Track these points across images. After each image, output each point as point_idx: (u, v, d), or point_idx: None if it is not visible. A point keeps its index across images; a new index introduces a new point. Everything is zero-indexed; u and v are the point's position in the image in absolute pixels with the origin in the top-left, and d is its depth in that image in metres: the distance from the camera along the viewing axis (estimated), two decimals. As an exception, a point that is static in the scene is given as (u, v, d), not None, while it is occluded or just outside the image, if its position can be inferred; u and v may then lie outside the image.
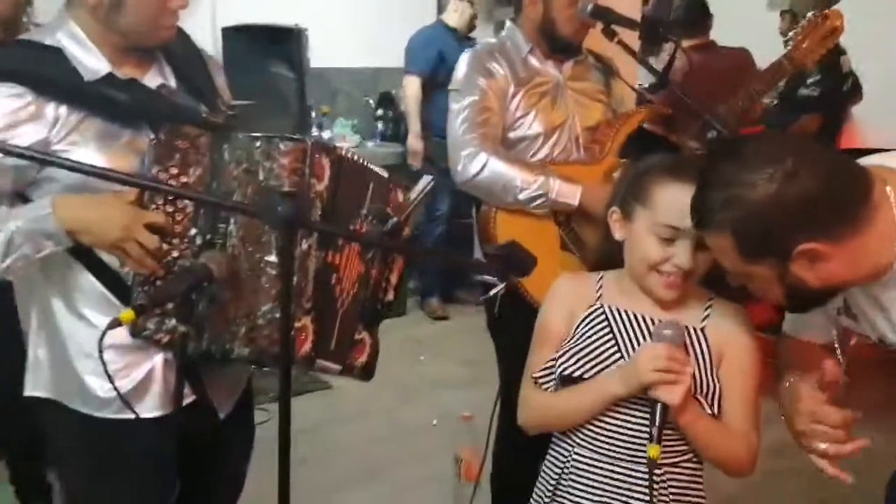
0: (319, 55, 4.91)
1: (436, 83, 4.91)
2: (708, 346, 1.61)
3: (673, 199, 1.55)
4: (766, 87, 2.29)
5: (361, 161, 1.64)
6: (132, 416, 1.52)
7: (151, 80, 1.61)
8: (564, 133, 2.33)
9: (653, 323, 1.62)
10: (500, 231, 2.23)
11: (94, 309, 1.57)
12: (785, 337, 1.72)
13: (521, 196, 2.18)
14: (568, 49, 2.34)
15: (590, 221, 2.19)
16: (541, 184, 2.17)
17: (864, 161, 1.37)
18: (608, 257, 1.74)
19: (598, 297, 1.70)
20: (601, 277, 1.73)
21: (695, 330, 1.63)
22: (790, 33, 2.34)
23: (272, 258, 1.48)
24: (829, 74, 3.10)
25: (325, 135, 5.14)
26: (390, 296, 1.74)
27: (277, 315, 1.46)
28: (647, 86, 3.22)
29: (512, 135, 2.30)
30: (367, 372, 1.73)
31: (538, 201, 2.18)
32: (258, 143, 1.51)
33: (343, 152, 1.59)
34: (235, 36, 4.58)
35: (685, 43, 3.96)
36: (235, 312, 1.50)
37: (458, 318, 5.19)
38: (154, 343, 1.53)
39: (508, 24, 2.43)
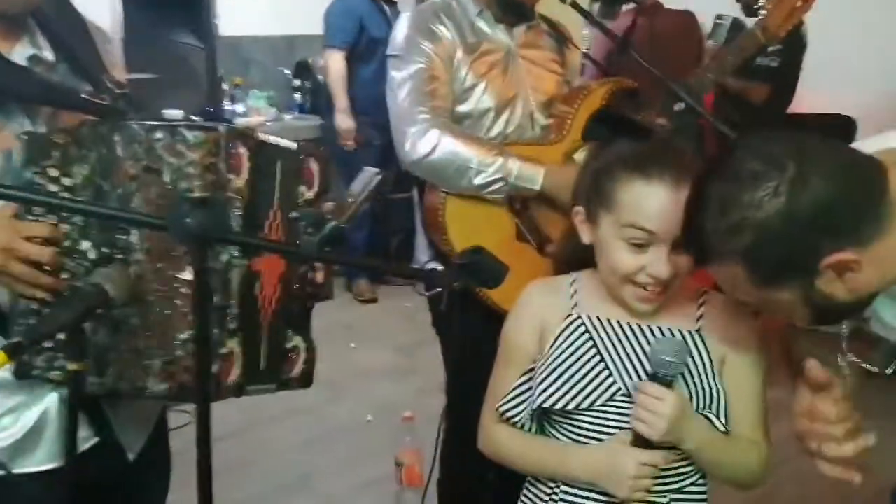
0: (230, 23, 4.54)
1: (357, 55, 4.62)
2: (707, 350, 1.41)
3: (639, 198, 1.34)
4: (740, 60, 2.08)
5: (276, 143, 1.37)
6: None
7: (20, 50, 1.31)
8: (518, 107, 2.07)
9: (640, 331, 1.41)
10: (450, 220, 1.97)
11: None
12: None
13: (477, 180, 1.91)
14: (520, 12, 2.08)
15: (551, 208, 1.97)
16: (499, 166, 1.91)
17: (862, 146, 1.19)
18: (575, 254, 1.51)
19: (574, 306, 1.47)
20: (574, 281, 1.51)
21: (690, 333, 1.42)
22: (761, 1, 2.13)
23: (187, 275, 1.21)
24: (790, 45, 2.95)
25: (239, 108, 4.81)
26: (319, 279, 1.47)
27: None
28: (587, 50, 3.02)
29: (459, 109, 2.03)
30: (305, 381, 1.47)
31: (495, 186, 1.92)
32: (159, 135, 1.22)
33: (263, 137, 1.33)
34: (136, 4, 4.17)
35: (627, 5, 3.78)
36: (147, 342, 1.23)
37: (389, 300, 4.93)
38: (46, 381, 1.26)
39: None
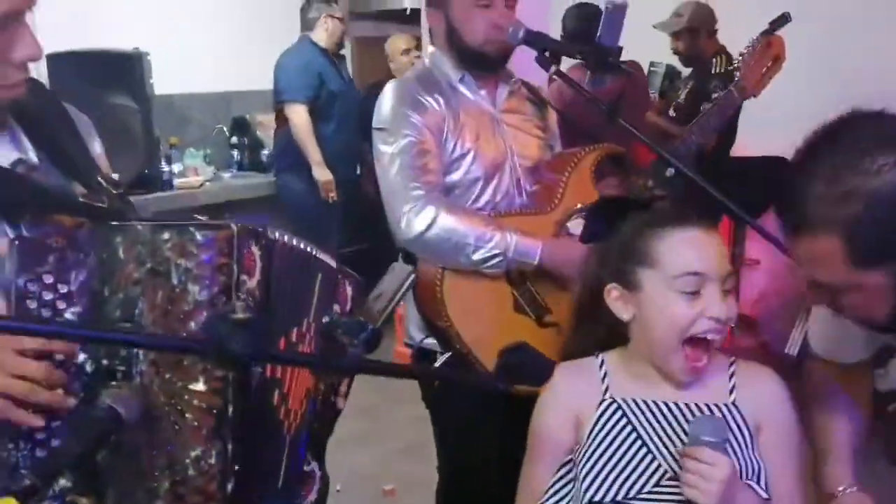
0: (163, 80, 4.41)
1: (317, 111, 4.55)
2: (745, 421, 1.38)
3: (681, 245, 1.34)
4: (721, 120, 2.13)
5: (301, 245, 1.30)
6: None
7: (4, 155, 1.20)
8: (505, 175, 2.03)
9: (678, 409, 1.37)
10: (448, 295, 1.89)
11: None
12: (813, 359, 1.53)
13: (476, 256, 1.86)
14: (485, 64, 2.03)
15: (548, 279, 1.93)
16: (497, 241, 1.86)
17: None
18: (589, 342, 1.48)
19: (606, 389, 1.41)
20: (602, 363, 1.46)
21: (726, 406, 1.39)
22: (735, 60, 2.22)
23: (199, 386, 1.11)
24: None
25: (176, 168, 4.65)
26: (340, 405, 1.40)
27: (211, 461, 1.12)
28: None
29: (449, 178, 1.98)
30: None
31: (494, 261, 1.87)
32: (166, 235, 1.13)
33: (274, 235, 1.25)
34: (65, 65, 3.99)
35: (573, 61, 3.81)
36: (152, 461, 1.13)
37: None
38: None
39: (432, 49, 2.12)
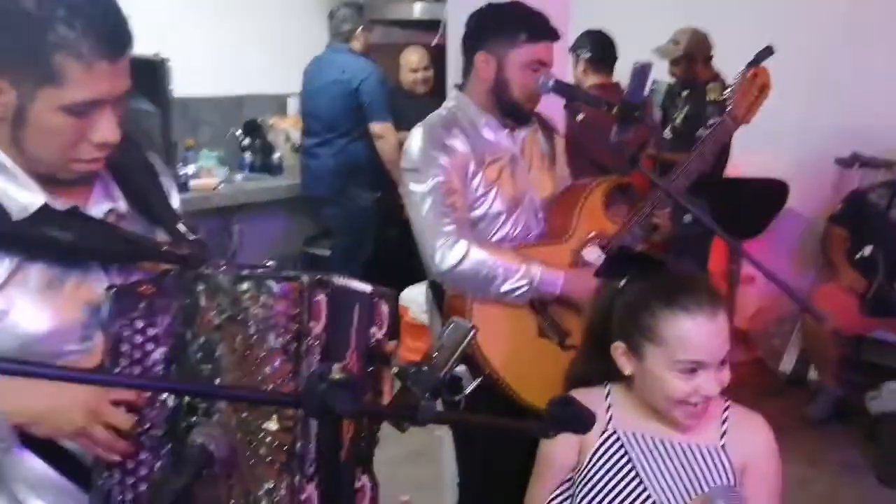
0: (179, 84, 4.51)
1: None
2: (731, 464, 1.54)
3: (688, 334, 1.47)
4: (717, 147, 2.25)
5: (354, 287, 1.41)
6: None
7: (97, 204, 1.32)
8: (524, 208, 2.19)
9: (671, 447, 1.53)
10: (477, 323, 2.02)
11: (44, 499, 1.27)
12: None
13: (504, 287, 2.01)
14: (519, 115, 2.19)
15: (567, 306, 2.09)
16: (523, 272, 2.02)
17: None
18: (593, 372, 1.65)
19: (609, 420, 1.57)
20: (608, 394, 1.60)
21: (715, 449, 1.55)
22: (727, 91, 2.33)
23: (273, 425, 1.23)
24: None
25: (190, 169, 4.75)
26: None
27: (282, 493, 1.24)
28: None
29: (473, 213, 2.13)
30: None
31: (520, 291, 2.02)
32: (245, 286, 1.25)
33: (339, 281, 1.37)
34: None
35: (591, 80, 3.94)
36: (229, 492, 1.25)
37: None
38: None
39: (455, 92, 2.24)
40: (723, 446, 1.55)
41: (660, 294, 1.51)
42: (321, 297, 1.30)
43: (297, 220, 5.28)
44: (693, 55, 4.34)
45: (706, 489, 1.52)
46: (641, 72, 2.00)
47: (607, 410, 1.58)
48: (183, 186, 4.57)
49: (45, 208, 1.23)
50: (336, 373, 0.99)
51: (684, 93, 4.54)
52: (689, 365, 1.46)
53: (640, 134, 2.17)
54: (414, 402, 1.10)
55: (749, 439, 1.57)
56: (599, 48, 3.98)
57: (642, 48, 4.29)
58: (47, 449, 1.24)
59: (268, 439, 1.24)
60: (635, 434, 1.55)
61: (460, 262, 2.00)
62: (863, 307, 4.01)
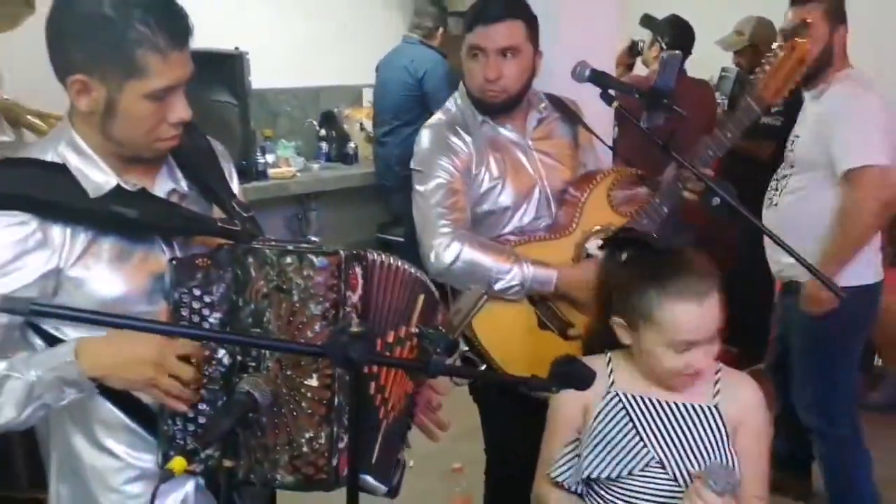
0: (258, 76, 4.75)
1: None
2: (724, 422, 1.67)
3: (680, 318, 1.59)
4: (738, 133, 2.14)
5: (404, 266, 1.56)
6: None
7: (161, 185, 1.50)
8: (533, 200, 2.22)
9: (668, 406, 1.66)
10: (477, 319, 2.06)
11: (118, 440, 1.46)
12: None
13: (497, 286, 2.07)
14: (492, 111, 2.19)
15: (566, 300, 2.15)
16: (514, 273, 2.07)
17: None
18: (601, 340, 1.78)
19: (611, 384, 1.72)
20: (610, 360, 1.75)
21: (709, 408, 1.68)
22: (756, 71, 2.19)
23: (314, 382, 1.39)
24: (791, 104, 3.11)
25: (269, 158, 4.99)
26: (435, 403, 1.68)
27: (321, 441, 1.40)
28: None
29: (481, 209, 2.20)
30: (396, 492, 1.63)
31: (513, 290, 2.09)
32: (289, 259, 1.41)
33: (374, 256, 1.52)
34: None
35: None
36: (275, 439, 1.41)
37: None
38: (189, 473, 1.43)
39: (456, 93, 2.29)
40: (716, 405, 1.67)
41: (653, 278, 1.62)
42: (357, 270, 1.46)
43: (370, 207, 5.47)
44: (758, 45, 4.30)
45: (701, 445, 1.64)
46: (670, 61, 2.06)
47: (609, 375, 1.72)
48: (261, 175, 4.82)
49: (117, 188, 1.41)
50: (355, 327, 1.14)
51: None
52: (681, 345, 1.59)
53: (671, 122, 2.18)
54: (427, 357, 1.22)
55: (740, 399, 1.69)
56: (678, 36, 4.03)
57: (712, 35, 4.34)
58: (121, 398, 1.43)
59: (309, 394, 1.40)
60: (634, 396, 1.68)
61: (454, 261, 2.06)
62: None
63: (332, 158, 5.41)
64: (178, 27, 1.36)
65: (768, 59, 2.14)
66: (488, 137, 2.21)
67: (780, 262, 2.83)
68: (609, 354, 1.75)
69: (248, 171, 4.68)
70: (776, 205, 2.88)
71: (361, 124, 5.55)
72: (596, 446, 1.66)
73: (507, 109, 2.19)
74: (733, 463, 1.63)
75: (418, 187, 2.18)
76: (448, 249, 2.07)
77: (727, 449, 1.64)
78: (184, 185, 1.53)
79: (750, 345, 3.87)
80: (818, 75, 2.69)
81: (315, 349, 1.28)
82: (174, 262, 1.43)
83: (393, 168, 4.93)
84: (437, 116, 2.28)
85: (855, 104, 2.64)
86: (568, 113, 2.34)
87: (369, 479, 1.49)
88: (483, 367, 2.09)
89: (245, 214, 1.54)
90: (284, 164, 5.06)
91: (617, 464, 1.64)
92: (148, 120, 1.39)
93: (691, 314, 1.57)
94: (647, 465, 1.64)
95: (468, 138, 2.18)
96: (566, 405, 1.73)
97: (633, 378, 1.71)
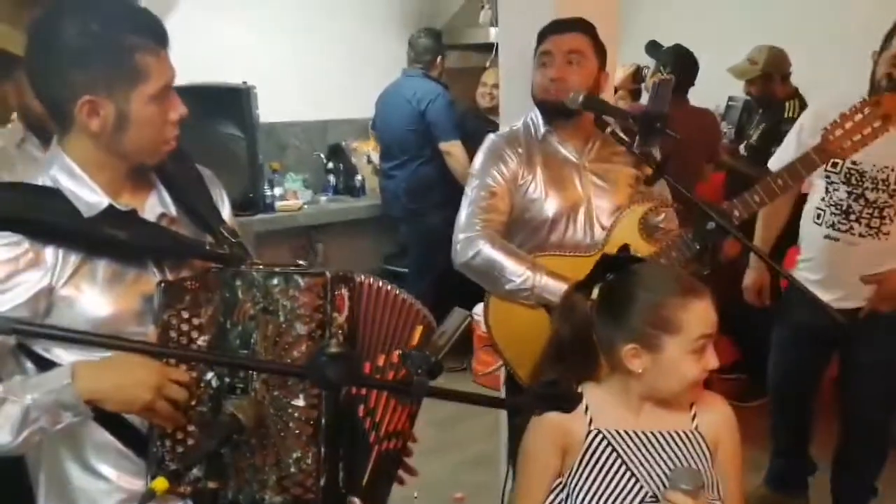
0: (266, 110, 4.81)
1: None
2: (706, 445, 1.67)
3: (700, 313, 1.60)
4: (791, 182, 2.06)
5: (394, 290, 1.58)
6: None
7: (151, 209, 1.53)
8: (579, 218, 2.32)
9: (654, 437, 1.65)
10: (493, 315, 2.28)
11: (108, 463, 1.48)
12: None
13: (509, 287, 2.20)
14: (554, 110, 2.31)
15: None
16: (526, 278, 2.19)
17: None
18: (564, 368, 1.71)
19: (591, 421, 1.68)
20: (581, 395, 1.69)
21: (692, 433, 1.68)
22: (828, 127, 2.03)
23: (300, 402, 1.41)
24: None
25: (277, 191, 5.03)
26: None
27: (309, 461, 1.41)
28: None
29: (524, 215, 2.33)
30: None
31: (523, 294, 2.20)
32: (275, 281, 1.43)
33: (360, 278, 1.53)
34: (183, 97, 4.42)
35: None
36: (263, 459, 1.42)
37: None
38: (177, 495, 1.45)
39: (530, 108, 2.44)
40: (696, 428, 1.68)
41: (668, 290, 1.63)
42: (344, 292, 1.48)
43: (377, 238, 5.51)
44: (771, 73, 4.33)
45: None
46: (662, 86, 2.10)
47: (585, 411, 1.67)
48: (269, 207, 4.86)
49: (109, 208, 1.44)
50: (334, 347, 1.16)
51: (761, 110, 4.53)
52: (703, 341, 1.58)
53: (666, 145, 2.22)
54: (410, 379, 1.23)
55: (716, 418, 1.70)
56: (680, 66, 4.07)
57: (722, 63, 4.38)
58: (111, 421, 1.44)
59: (296, 414, 1.41)
60: (619, 431, 1.65)
61: (473, 257, 2.23)
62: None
63: (339, 191, 5.45)
64: (158, 27, 1.43)
65: (846, 113, 2.02)
66: (545, 152, 2.35)
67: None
68: (580, 388, 1.66)
69: (256, 204, 4.72)
70: (887, 234, 2.67)
71: (369, 157, 5.59)
72: (588, 490, 1.63)
73: (567, 115, 2.29)
74: (718, 481, 1.63)
75: (467, 188, 2.37)
76: (471, 245, 2.25)
77: (712, 470, 1.66)
78: (173, 209, 1.56)
79: (757, 371, 3.84)
80: None
81: (294, 370, 1.30)
82: (163, 284, 1.45)
83: (400, 199, 4.97)
84: (503, 129, 2.48)
85: None
86: (627, 145, 2.28)
87: (358, 502, 1.49)
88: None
89: (233, 239, 1.56)
90: (292, 196, 5.10)
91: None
92: (156, 123, 1.45)
93: (707, 306, 1.61)
94: (642, 500, 1.62)
95: (521, 150, 2.34)
96: (538, 444, 1.69)
97: (610, 411, 1.67)
